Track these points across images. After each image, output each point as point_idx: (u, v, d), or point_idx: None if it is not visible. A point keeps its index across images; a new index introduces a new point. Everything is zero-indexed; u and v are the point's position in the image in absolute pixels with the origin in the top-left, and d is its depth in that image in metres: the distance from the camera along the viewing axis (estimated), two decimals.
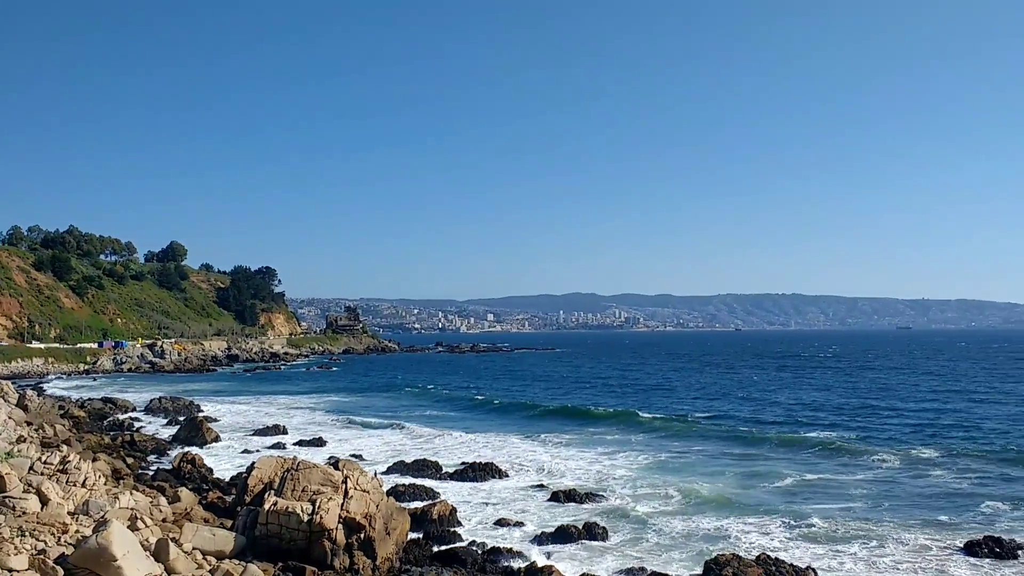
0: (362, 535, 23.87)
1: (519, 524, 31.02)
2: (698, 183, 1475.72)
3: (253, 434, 56.26)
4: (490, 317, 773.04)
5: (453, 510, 31.18)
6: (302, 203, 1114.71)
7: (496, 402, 79.89)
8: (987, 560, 25.79)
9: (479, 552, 26.25)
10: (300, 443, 51.55)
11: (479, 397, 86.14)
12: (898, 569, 25.38)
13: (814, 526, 30.34)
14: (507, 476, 40.87)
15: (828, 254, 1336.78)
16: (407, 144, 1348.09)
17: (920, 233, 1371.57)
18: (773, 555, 24.84)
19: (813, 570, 23.75)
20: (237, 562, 21.53)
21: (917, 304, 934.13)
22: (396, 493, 34.14)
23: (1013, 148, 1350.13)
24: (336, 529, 23.54)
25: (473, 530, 30.11)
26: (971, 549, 26.65)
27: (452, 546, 27.00)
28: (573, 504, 34.30)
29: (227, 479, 37.84)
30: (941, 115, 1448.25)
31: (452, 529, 29.61)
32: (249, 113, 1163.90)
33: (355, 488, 24.88)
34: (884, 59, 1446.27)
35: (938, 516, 31.63)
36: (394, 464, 43.01)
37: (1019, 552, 26.36)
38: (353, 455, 45.25)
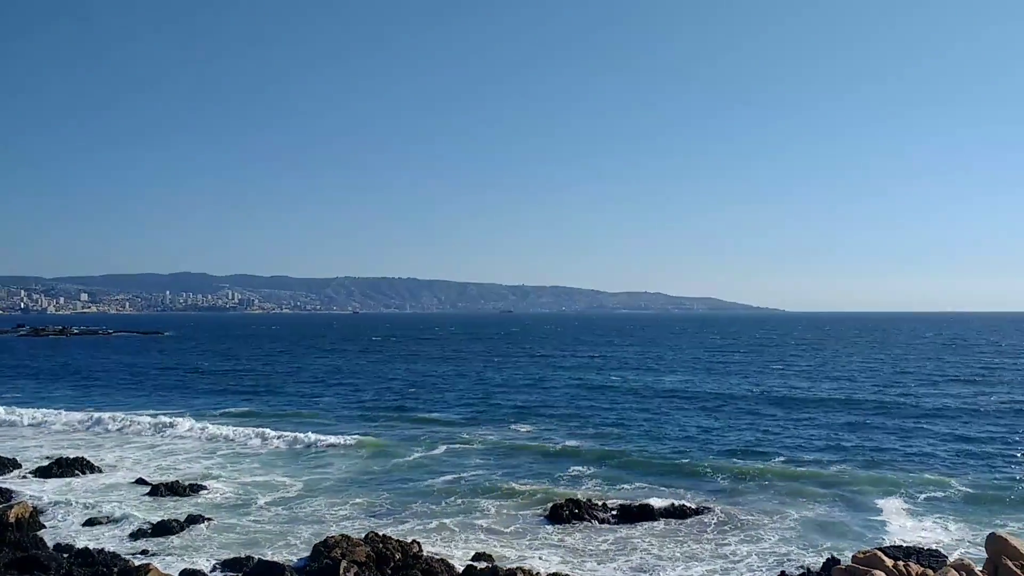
0: None
1: (113, 522, 28.87)
2: (315, 165, 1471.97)
3: None
4: (84, 297, 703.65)
5: (34, 511, 28.12)
6: None
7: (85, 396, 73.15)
8: (567, 523, 29.07)
9: (65, 556, 23.96)
10: None
11: (66, 387, 78.15)
12: (489, 534, 27.82)
13: (420, 502, 32.16)
14: (101, 472, 37.75)
15: (441, 240, 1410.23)
16: None
17: (519, 223, 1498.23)
18: (381, 532, 25.77)
19: (417, 543, 25.04)
20: None
21: (518, 290, 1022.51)
22: None
23: (601, 151, 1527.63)
24: None
25: (59, 532, 27.47)
26: (555, 512, 29.93)
27: (33, 552, 24.32)
28: (175, 497, 32.70)
29: None
30: (523, 118, 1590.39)
31: (33, 533, 26.64)
32: None
33: None
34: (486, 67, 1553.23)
35: (530, 484, 35.11)
36: None
37: (595, 512, 30.11)
38: None
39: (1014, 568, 15.83)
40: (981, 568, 16.51)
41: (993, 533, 17.31)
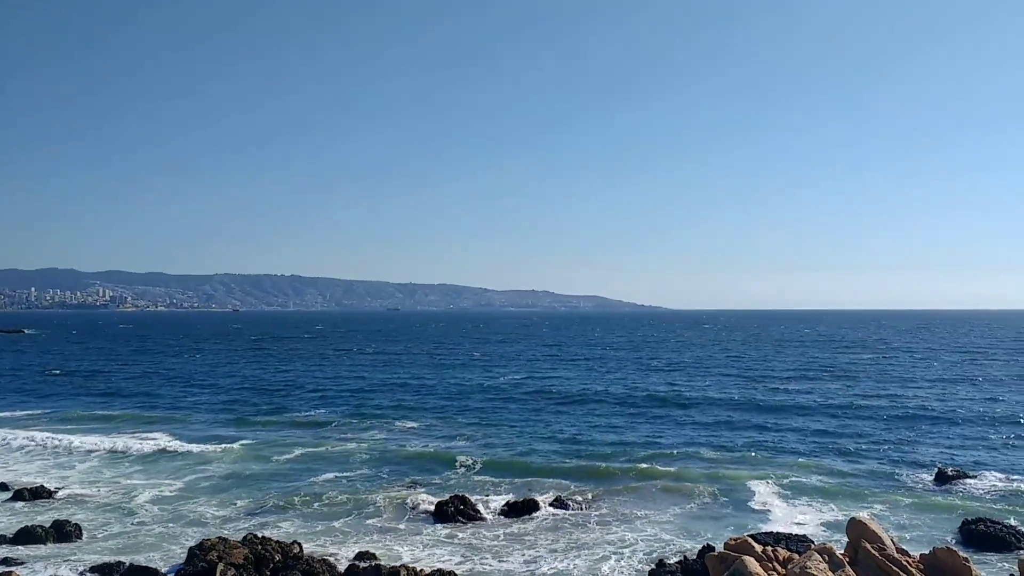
0: None
1: None
2: (192, 158, 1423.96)
3: None
4: None
5: None
6: None
7: None
8: (454, 521, 29.18)
9: None
10: None
11: None
12: (375, 533, 27.65)
13: (303, 502, 31.64)
14: None
15: (326, 237, 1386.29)
16: None
17: (406, 221, 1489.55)
18: (261, 534, 25.19)
19: (298, 543, 24.60)
20: None
21: (405, 288, 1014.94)
22: None
23: (487, 151, 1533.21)
24: None
25: None
26: (440, 510, 29.98)
27: None
28: (40, 502, 31.24)
29: None
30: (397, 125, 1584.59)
31: None
32: None
33: None
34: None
35: (419, 478, 35.29)
36: None
37: (481, 509, 30.32)
38: None
39: (872, 550, 16.81)
40: (843, 551, 17.46)
41: (853, 518, 18.35)
